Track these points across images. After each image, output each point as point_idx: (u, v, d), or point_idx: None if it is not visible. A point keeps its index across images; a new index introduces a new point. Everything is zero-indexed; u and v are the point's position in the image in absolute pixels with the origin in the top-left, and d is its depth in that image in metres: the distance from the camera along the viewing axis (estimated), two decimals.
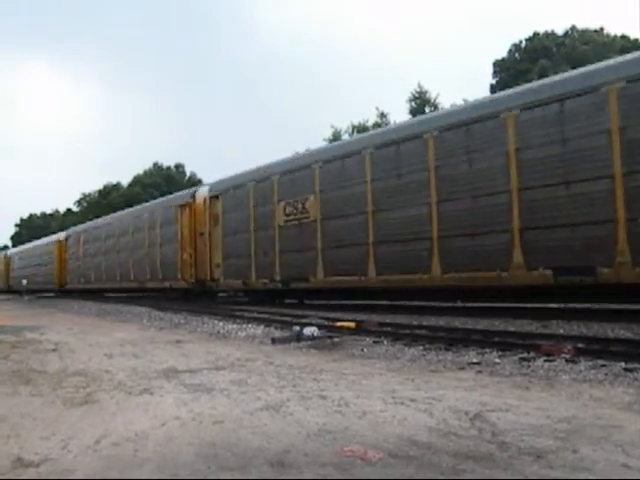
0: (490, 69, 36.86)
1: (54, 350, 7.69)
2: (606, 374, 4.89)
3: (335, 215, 12.36)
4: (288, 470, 2.69)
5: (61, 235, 32.46)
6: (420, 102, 34.49)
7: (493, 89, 33.28)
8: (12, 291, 40.91)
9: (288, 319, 10.67)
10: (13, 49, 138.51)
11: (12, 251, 46.91)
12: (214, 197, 17.00)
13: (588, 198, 8.07)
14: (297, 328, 8.37)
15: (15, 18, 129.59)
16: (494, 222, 9.19)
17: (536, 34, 35.74)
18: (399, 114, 46.94)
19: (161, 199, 23.93)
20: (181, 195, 20.26)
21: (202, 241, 17.40)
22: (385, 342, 7.39)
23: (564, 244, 8.27)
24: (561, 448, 2.88)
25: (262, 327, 9.90)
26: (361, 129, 34.88)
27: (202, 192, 18.04)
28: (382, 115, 36.20)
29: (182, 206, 18.60)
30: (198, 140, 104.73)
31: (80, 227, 31.28)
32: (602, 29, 35.58)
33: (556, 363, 5.42)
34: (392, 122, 33.38)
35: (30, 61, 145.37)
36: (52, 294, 33.36)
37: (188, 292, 18.64)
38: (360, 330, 8.34)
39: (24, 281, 33.48)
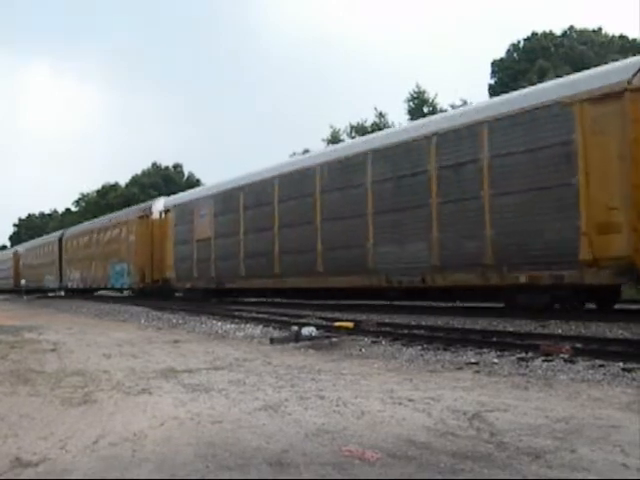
0: (488, 69, 36.86)
1: (53, 350, 7.68)
2: (604, 374, 4.90)
3: None
4: (287, 470, 2.69)
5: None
6: (418, 102, 34.42)
7: (492, 89, 33.27)
8: (163, 292, 19.79)
9: (286, 319, 10.67)
10: (14, 49, 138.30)
11: (169, 200, 20.90)
12: None
13: None
14: (295, 328, 8.38)
15: (16, 18, 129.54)
16: None
17: (534, 34, 35.70)
18: (398, 114, 46.99)
19: None
20: None
21: None
22: (383, 342, 7.39)
23: None
24: (559, 448, 2.89)
25: (260, 327, 9.90)
26: (359, 129, 34.83)
27: None
28: (381, 115, 36.13)
29: None
30: (196, 140, 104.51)
31: None
32: (600, 29, 35.54)
33: (554, 363, 5.42)
34: (391, 123, 33.36)
35: (31, 61, 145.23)
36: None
37: None
38: (358, 330, 8.35)
39: (23, 281, 32.06)
